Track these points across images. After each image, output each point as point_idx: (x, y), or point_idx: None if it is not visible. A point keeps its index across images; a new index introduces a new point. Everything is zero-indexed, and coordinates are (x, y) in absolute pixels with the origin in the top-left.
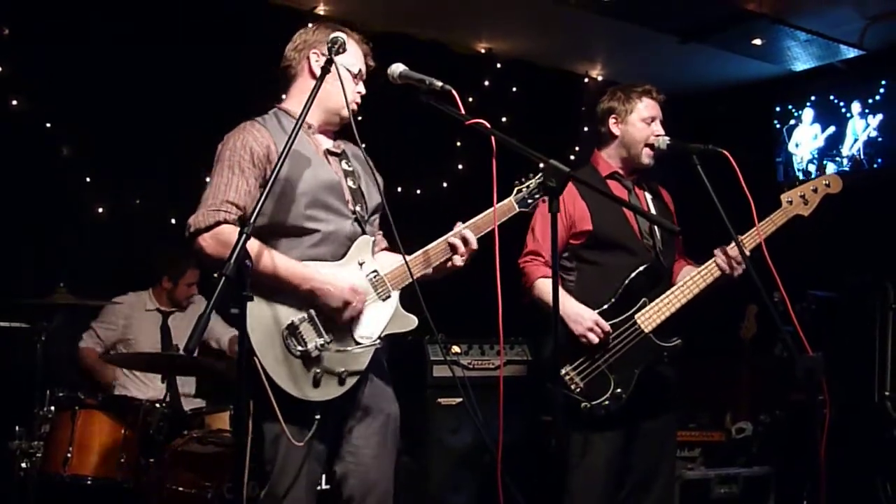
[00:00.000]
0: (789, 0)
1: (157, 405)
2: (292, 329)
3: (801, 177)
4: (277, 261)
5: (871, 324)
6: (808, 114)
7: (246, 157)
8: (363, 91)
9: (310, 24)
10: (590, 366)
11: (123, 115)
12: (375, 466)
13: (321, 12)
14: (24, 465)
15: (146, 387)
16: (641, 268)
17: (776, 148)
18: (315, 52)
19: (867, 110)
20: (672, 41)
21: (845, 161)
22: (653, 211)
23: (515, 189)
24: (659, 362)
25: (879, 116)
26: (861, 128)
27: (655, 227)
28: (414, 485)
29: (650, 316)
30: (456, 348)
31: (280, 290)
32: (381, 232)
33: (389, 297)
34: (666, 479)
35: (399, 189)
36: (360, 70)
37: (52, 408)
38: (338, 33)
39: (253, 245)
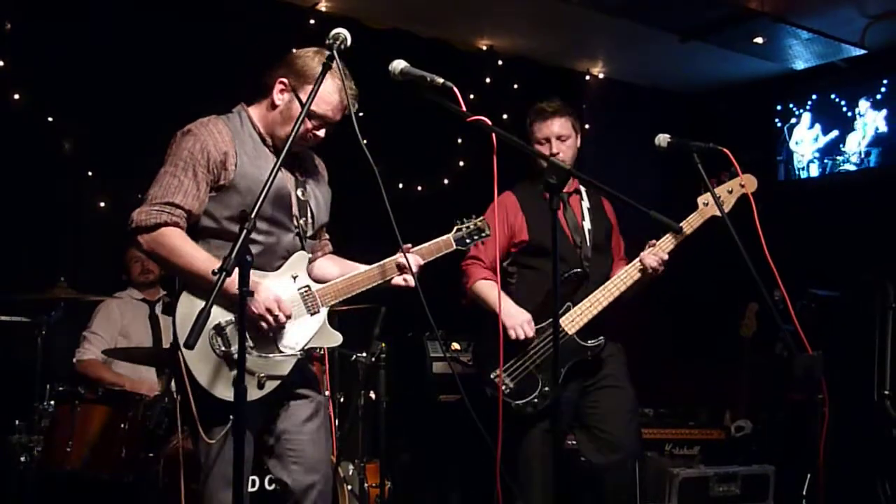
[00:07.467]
0: None
1: (157, 400)
2: (219, 329)
3: (802, 176)
4: (213, 264)
5: (872, 323)
6: (809, 113)
7: (202, 162)
8: (322, 135)
9: (308, 49)
10: (519, 367)
11: (125, 110)
12: (315, 448)
13: (323, 8)
14: (23, 459)
15: (142, 383)
16: (563, 276)
17: (777, 146)
18: (282, 81)
19: (869, 109)
20: (673, 39)
21: (847, 160)
22: (587, 220)
23: (455, 227)
24: (583, 361)
25: (881, 115)
26: (862, 127)
27: (586, 236)
28: (412, 481)
29: (573, 319)
30: (456, 345)
31: (212, 291)
32: (327, 236)
33: (318, 312)
34: (628, 454)
35: (400, 185)
36: (325, 112)
37: (52, 402)
38: (340, 30)
39: (195, 246)
